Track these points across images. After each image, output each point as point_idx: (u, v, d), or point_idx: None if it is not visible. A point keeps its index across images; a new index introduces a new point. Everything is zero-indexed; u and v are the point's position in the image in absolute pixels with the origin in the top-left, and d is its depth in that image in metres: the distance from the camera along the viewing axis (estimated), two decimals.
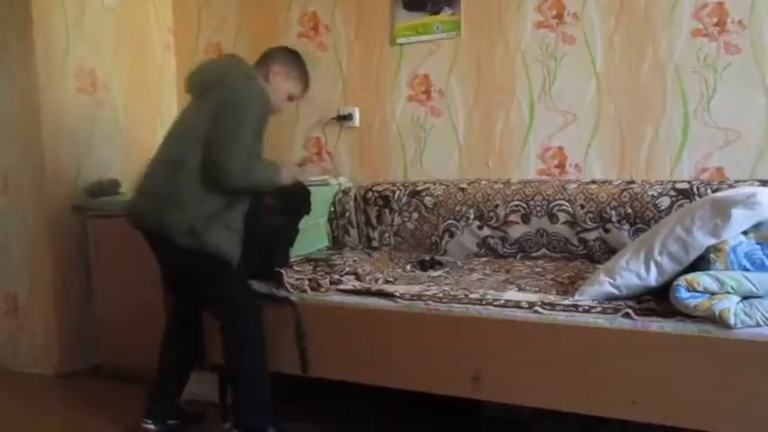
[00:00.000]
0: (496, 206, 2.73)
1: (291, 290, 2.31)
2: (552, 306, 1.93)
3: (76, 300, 3.26)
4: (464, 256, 2.77)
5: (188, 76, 2.40)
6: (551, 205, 2.63)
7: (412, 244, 2.91)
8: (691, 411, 1.73)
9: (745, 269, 1.75)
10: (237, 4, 3.53)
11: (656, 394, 1.76)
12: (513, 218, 2.70)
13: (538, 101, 2.84)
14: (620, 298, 1.91)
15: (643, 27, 2.63)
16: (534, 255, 2.67)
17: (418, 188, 2.94)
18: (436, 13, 3.01)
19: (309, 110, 3.31)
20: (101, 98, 3.41)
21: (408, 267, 2.61)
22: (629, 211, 2.50)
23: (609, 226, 2.53)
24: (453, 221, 2.82)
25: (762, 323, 1.66)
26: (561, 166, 2.82)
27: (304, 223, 2.58)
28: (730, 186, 2.33)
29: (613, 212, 2.52)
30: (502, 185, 2.78)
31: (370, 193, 3.02)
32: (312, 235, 2.89)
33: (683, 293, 1.74)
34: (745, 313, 1.67)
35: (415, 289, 2.21)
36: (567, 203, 2.61)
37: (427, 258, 2.66)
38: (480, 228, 2.77)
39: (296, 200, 2.50)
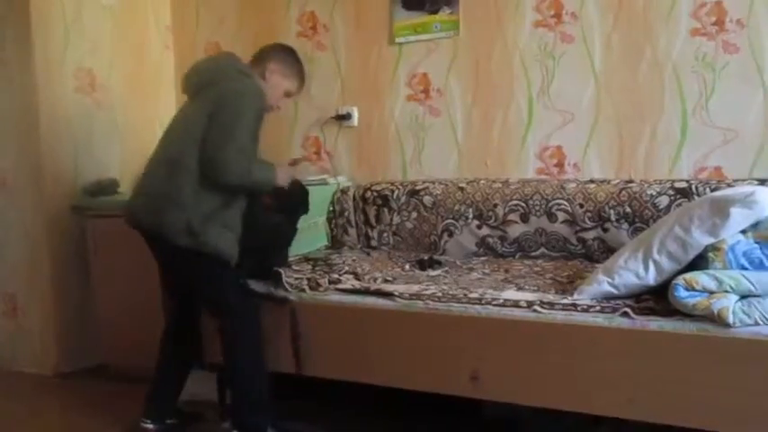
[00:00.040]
0: (495, 205, 2.73)
1: (290, 289, 2.31)
2: (551, 305, 1.94)
3: (75, 300, 3.26)
4: (463, 256, 2.77)
5: (184, 76, 2.40)
6: (550, 204, 2.63)
7: (411, 243, 2.91)
8: (689, 410, 1.73)
9: (744, 268, 1.75)
10: (236, 3, 3.53)
11: (655, 393, 1.77)
12: (511, 217, 2.70)
13: (536, 100, 2.84)
14: (619, 297, 1.91)
15: (641, 26, 2.63)
16: (533, 254, 2.67)
17: (417, 187, 2.94)
18: (435, 12, 3.01)
19: (308, 109, 3.32)
20: (99, 98, 3.40)
21: (407, 267, 2.60)
22: (628, 210, 2.50)
23: (607, 225, 2.53)
24: (452, 221, 2.82)
25: (760, 322, 1.66)
26: (560, 165, 2.81)
27: (302, 222, 2.58)
28: (729, 185, 2.34)
29: (612, 212, 2.52)
30: (501, 185, 2.77)
31: (368, 193, 3.02)
32: (311, 234, 2.89)
33: (682, 292, 1.74)
34: (744, 312, 1.67)
35: (414, 288, 2.21)
36: (565, 203, 2.61)
37: (426, 258, 2.66)
38: (479, 227, 2.77)
39: (294, 199, 2.51)
